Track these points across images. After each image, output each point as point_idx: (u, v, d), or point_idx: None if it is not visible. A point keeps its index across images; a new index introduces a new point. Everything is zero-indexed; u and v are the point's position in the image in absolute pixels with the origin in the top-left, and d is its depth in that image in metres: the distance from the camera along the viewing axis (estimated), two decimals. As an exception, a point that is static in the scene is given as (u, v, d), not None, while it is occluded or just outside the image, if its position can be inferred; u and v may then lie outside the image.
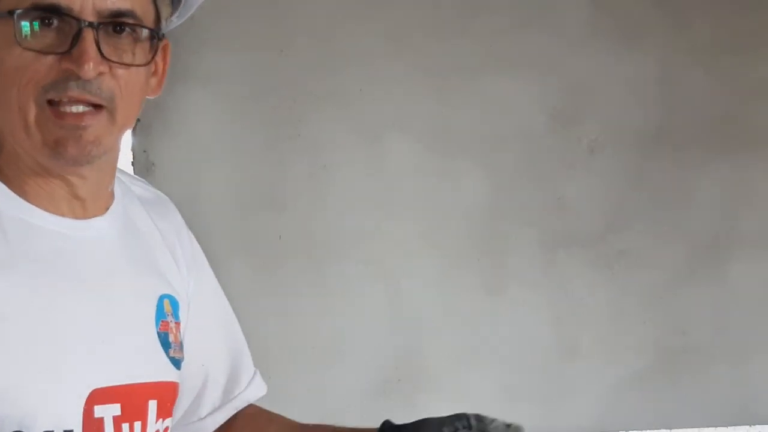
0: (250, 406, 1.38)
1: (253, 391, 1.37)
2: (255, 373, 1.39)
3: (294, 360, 2.39)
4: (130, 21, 1.04)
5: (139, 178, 1.31)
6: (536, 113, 2.49)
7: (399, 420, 2.50)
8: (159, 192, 1.30)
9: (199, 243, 2.39)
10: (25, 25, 1.01)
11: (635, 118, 2.54)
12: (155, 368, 1.14)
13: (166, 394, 1.16)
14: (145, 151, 2.31)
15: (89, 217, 1.11)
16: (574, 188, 2.51)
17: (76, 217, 1.09)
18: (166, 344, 1.16)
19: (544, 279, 2.50)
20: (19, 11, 1.01)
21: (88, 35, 1.02)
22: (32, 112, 1.03)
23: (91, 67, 1.02)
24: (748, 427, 2.56)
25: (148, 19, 1.07)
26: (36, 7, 1.01)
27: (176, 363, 1.18)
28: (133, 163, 2.34)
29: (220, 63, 2.34)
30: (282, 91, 2.36)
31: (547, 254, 2.50)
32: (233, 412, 1.35)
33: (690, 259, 2.57)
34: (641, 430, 2.53)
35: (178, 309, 1.21)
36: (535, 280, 2.50)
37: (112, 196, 1.16)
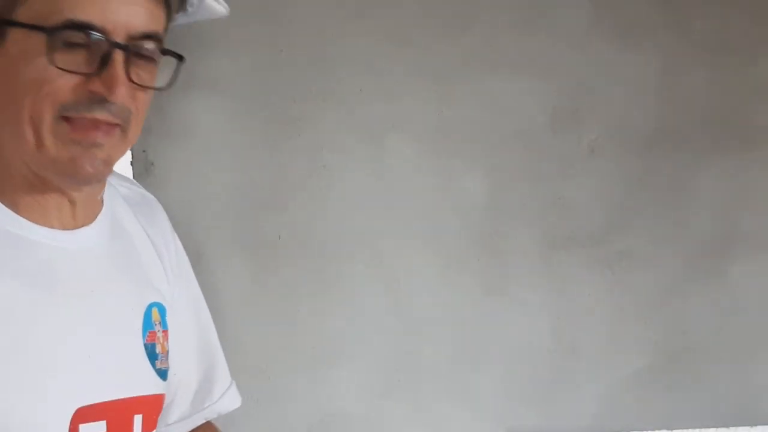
0: (208, 423, 1.36)
1: (225, 403, 1.35)
2: (230, 385, 1.37)
3: (294, 360, 2.39)
4: (156, 44, 1.04)
5: (126, 177, 1.30)
6: (536, 113, 2.49)
7: (399, 420, 2.51)
8: (146, 192, 1.29)
9: (198, 243, 2.39)
10: (57, 42, 0.99)
11: (635, 118, 2.54)
12: (141, 382, 1.13)
13: (151, 407, 1.15)
14: (144, 151, 2.31)
15: (78, 227, 1.09)
16: (574, 188, 2.51)
17: (65, 228, 1.08)
18: (152, 356, 1.15)
19: (544, 279, 2.50)
20: (51, 27, 0.98)
21: (119, 57, 1.00)
22: (46, 126, 1.01)
23: (122, 93, 1.00)
24: (749, 427, 2.55)
25: (164, 36, 1.07)
26: (70, 25, 0.99)
27: (162, 374, 1.17)
28: (132, 163, 2.33)
29: (219, 63, 2.34)
30: (282, 91, 2.36)
31: (547, 254, 2.50)
32: (201, 421, 1.33)
33: (690, 259, 2.57)
34: (641, 430, 2.52)
35: (166, 315, 1.20)
36: (535, 280, 2.50)
37: (101, 202, 1.15)
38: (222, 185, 2.34)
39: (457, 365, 2.47)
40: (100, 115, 1.01)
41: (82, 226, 1.09)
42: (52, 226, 1.06)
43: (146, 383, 1.13)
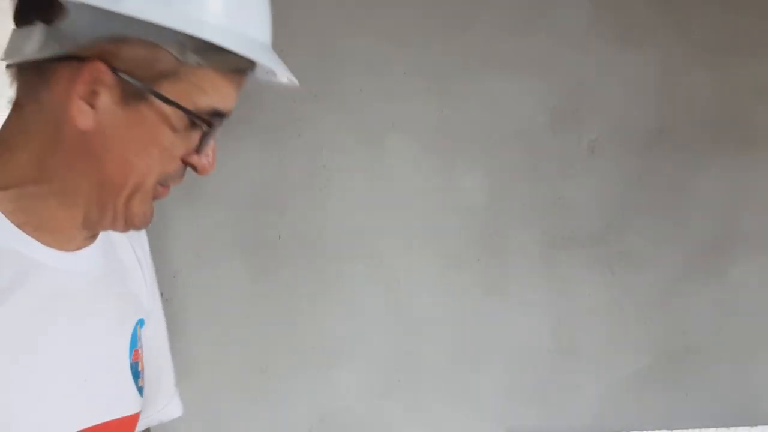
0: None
1: (168, 413, 1.36)
2: (174, 394, 1.37)
3: (294, 360, 2.39)
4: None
5: None
6: (536, 113, 2.49)
7: (399, 420, 2.51)
8: None
9: (199, 243, 2.39)
10: (201, 126, 1.02)
11: (635, 118, 2.54)
12: (127, 402, 1.14)
13: (132, 426, 1.16)
14: (144, 151, 2.31)
15: (80, 248, 1.09)
16: (574, 188, 2.51)
17: (69, 250, 1.07)
18: (136, 375, 1.16)
19: (543, 279, 2.50)
20: (201, 112, 1.01)
21: (215, 136, 1.04)
22: (147, 189, 1.03)
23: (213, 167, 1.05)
24: (749, 427, 2.55)
25: None
26: (213, 113, 1.02)
27: (141, 391, 1.17)
28: (133, 164, 2.33)
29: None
30: (282, 91, 2.36)
31: (547, 254, 2.50)
32: (143, 428, 1.34)
33: (690, 259, 2.57)
34: (641, 430, 2.52)
35: (143, 327, 1.20)
36: (534, 280, 2.50)
37: None
38: (222, 185, 2.34)
39: (457, 365, 2.47)
40: (179, 182, 1.07)
41: (83, 247, 1.09)
42: (61, 248, 1.06)
43: (131, 403, 1.13)
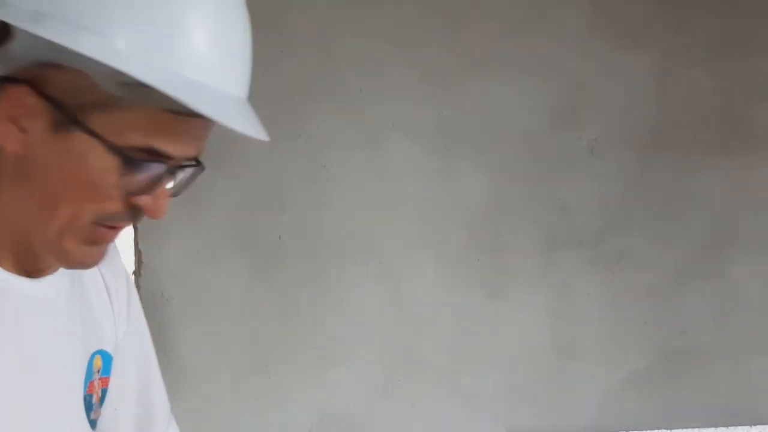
0: None
1: None
2: (170, 420, 1.34)
3: (294, 360, 2.39)
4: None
5: None
6: (536, 113, 2.49)
7: (399, 420, 2.51)
8: None
9: (199, 243, 2.39)
10: (130, 165, 0.96)
11: (635, 118, 2.54)
12: None
13: None
14: (145, 151, 2.31)
15: (45, 274, 1.06)
16: (574, 188, 2.51)
17: (35, 277, 1.05)
18: (89, 407, 1.13)
19: (543, 279, 2.50)
20: (128, 149, 0.96)
21: (167, 179, 1.00)
22: (79, 227, 0.98)
23: (166, 208, 1.00)
24: (748, 427, 2.55)
25: None
26: (147, 151, 0.96)
27: (94, 424, 1.16)
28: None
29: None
30: (282, 91, 2.36)
31: (547, 254, 2.50)
32: None
33: (690, 259, 2.57)
34: (641, 430, 2.52)
35: (111, 363, 1.18)
36: (534, 280, 2.50)
37: None
38: (222, 185, 2.34)
39: (457, 365, 2.47)
40: (128, 224, 1.02)
41: (48, 273, 1.07)
42: (20, 274, 1.03)
43: None
